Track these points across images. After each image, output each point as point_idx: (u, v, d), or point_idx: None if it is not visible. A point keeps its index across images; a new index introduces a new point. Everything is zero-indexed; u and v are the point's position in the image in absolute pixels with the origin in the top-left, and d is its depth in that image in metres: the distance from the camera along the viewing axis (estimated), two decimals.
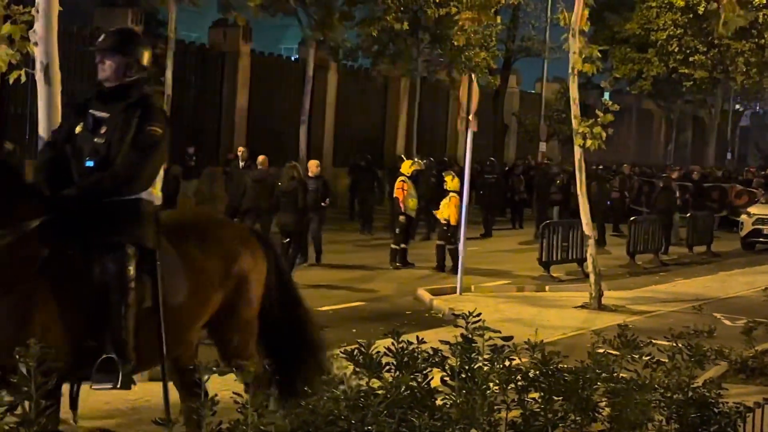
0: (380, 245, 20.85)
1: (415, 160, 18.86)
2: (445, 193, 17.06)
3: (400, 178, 17.62)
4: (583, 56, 13.69)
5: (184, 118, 24.45)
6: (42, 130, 6.92)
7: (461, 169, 24.38)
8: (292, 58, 31.49)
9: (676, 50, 34.45)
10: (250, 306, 5.84)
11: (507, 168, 29.47)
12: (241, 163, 18.00)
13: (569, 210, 23.36)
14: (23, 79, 7.07)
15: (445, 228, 16.70)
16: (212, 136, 26.30)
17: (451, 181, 17.04)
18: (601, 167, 27.34)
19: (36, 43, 6.83)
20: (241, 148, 17.96)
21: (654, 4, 34.21)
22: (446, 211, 16.72)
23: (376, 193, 23.13)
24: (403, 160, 19.36)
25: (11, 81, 7.02)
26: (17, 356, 3.09)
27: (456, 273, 15.52)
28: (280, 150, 26.61)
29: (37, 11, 6.81)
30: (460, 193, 16.03)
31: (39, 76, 6.87)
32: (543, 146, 34.90)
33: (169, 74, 20.28)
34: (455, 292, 14.40)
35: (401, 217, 17.26)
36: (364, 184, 23.02)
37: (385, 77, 30.53)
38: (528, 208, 26.96)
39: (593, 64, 13.68)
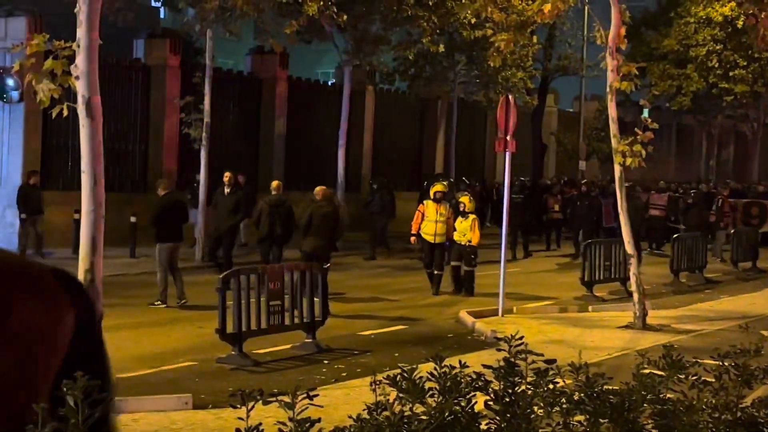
0: (412, 268, 20.87)
1: (445, 182, 18.71)
2: (463, 215, 16.77)
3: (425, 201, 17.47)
4: (621, 74, 13.64)
5: (222, 145, 24.66)
6: (84, 164, 7.01)
7: (483, 188, 24.57)
8: (329, 83, 31.68)
9: (715, 65, 34.19)
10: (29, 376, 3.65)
11: (541, 186, 29.29)
12: (227, 189, 17.53)
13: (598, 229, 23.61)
14: (65, 113, 7.18)
15: (468, 250, 16.49)
16: (251, 163, 26.47)
17: (468, 203, 16.81)
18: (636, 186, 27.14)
19: (77, 77, 6.94)
20: (227, 174, 17.73)
21: (692, 20, 34.00)
22: (468, 233, 16.49)
23: (386, 214, 22.58)
24: (433, 181, 19.36)
25: (53, 115, 7.13)
26: (64, 389, 3.12)
27: (472, 295, 15.86)
28: (318, 174, 26.75)
29: (78, 46, 6.93)
30: (494, 213, 16.17)
31: (81, 110, 6.98)
32: (582, 165, 34.76)
33: (207, 102, 20.46)
34: (497, 314, 14.35)
35: (412, 239, 17.37)
36: (374, 207, 22.60)
37: (421, 99, 30.62)
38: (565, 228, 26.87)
39: (631, 81, 13.63)
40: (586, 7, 15.56)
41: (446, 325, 13.92)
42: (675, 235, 19.46)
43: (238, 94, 26.43)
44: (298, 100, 27.54)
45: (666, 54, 35.44)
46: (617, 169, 13.74)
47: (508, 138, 14.67)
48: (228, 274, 10.96)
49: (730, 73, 34.42)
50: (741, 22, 32.13)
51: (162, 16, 39.55)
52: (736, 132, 46.27)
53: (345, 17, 21.44)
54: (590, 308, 15.59)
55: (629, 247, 13.94)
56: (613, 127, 13.80)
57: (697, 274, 19.86)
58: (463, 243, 16.54)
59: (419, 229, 17.00)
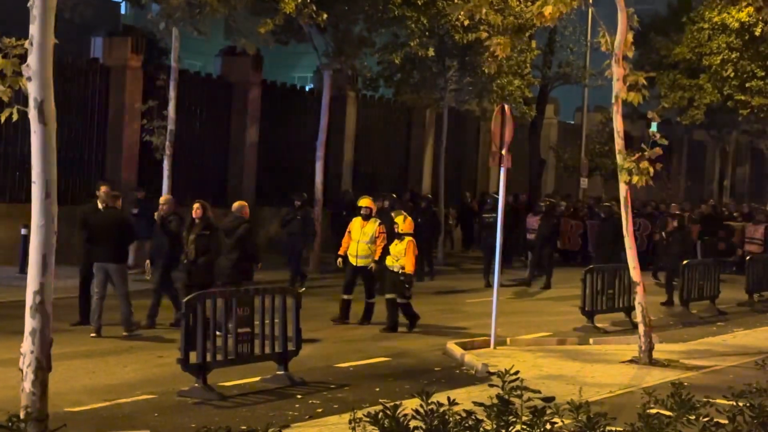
0: None
1: (369, 197, 17.44)
2: (397, 237, 15.91)
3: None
4: (628, 84, 13.74)
5: (188, 155, 24.65)
6: (35, 174, 6.99)
7: (427, 205, 24.34)
8: (307, 88, 31.75)
9: (731, 75, 34.39)
10: None
11: (522, 205, 29.31)
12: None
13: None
14: (15, 117, 7.16)
15: (401, 279, 15.67)
16: (219, 175, 26.48)
17: (402, 223, 15.98)
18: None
19: (29, 78, 6.93)
20: (143, 192, 17.55)
21: (706, 26, 34.19)
22: (401, 258, 15.69)
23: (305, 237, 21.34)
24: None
25: (2, 120, 7.11)
26: None
27: (410, 329, 15.78)
28: (293, 188, 26.78)
29: (31, 44, 6.92)
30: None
31: (32, 114, 6.96)
32: (584, 182, 34.93)
33: (171, 107, 20.47)
34: (488, 346, 14.37)
35: (339, 261, 16.84)
36: (294, 227, 20.98)
37: (408, 108, 30.71)
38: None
39: (639, 92, 13.72)
40: (590, 10, 15.62)
41: (432, 357, 13.93)
42: (685, 262, 19.53)
43: (206, 99, 26.46)
44: (272, 107, 27.59)
45: (677, 63, 35.62)
46: (623, 188, 13.81)
47: (503, 152, 14.73)
48: (192, 298, 10.93)
49: (747, 84, 34.62)
50: (759, 30, 32.42)
51: (123, 12, 39.53)
52: (753, 149, 46.56)
53: (325, 16, 21.52)
54: (591, 340, 15.63)
55: (635, 274, 13.99)
56: (619, 142, 13.88)
57: (709, 305, 19.94)
58: (395, 270, 15.76)
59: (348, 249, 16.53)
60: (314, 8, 21.11)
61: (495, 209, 23.07)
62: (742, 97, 34.93)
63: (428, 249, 24.08)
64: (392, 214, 16.93)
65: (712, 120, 37.94)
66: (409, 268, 15.74)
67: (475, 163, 35.50)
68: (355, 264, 16.30)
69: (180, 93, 20.96)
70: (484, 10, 14.37)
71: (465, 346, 14.19)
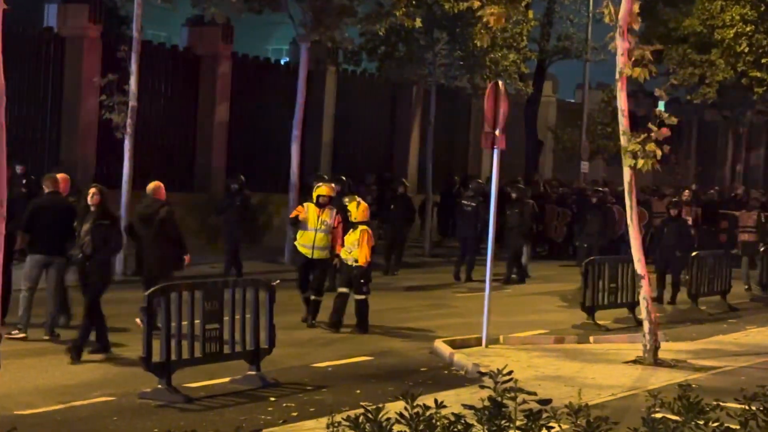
0: (399, 289, 20.92)
1: (333, 184, 17.16)
2: (351, 225, 15.74)
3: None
4: (633, 59, 13.76)
5: (151, 134, 24.58)
6: None
7: (402, 191, 24.12)
8: (282, 62, 31.69)
9: (745, 50, 34.49)
10: None
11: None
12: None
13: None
14: None
15: (356, 272, 15.41)
16: (185, 156, 26.42)
17: (356, 210, 15.78)
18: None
19: None
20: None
21: None
22: (355, 250, 15.43)
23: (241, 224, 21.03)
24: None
25: None
26: None
27: (364, 331, 15.37)
28: (267, 172, 26.78)
29: None
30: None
31: None
32: (585, 166, 34.97)
33: (133, 81, 20.38)
34: (480, 344, 14.41)
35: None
36: (231, 214, 20.80)
37: (393, 84, 30.68)
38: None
39: (645, 68, 13.74)
40: None
41: (418, 356, 13.96)
42: (694, 254, 19.61)
43: (171, 72, 26.39)
44: (244, 82, 27.53)
45: (687, 36, 35.69)
46: (627, 172, 13.84)
47: (496, 133, 14.73)
48: (155, 291, 10.91)
49: (763, 60, 34.74)
50: None
51: None
52: None
53: None
54: (591, 338, 15.69)
55: (639, 267, 14.03)
56: (623, 122, 13.90)
57: (720, 300, 20.04)
58: (349, 263, 15.53)
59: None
60: None
61: (477, 196, 23.08)
62: (758, 74, 35.05)
63: (400, 239, 23.96)
64: (345, 200, 16.67)
65: (724, 99, 38.03)
66: (363, 260, 15.43)
67: (465, 144, 35.52)
68: (310, 256, 15.92)
69: (143, 66, 20.85)
70: None
71: (454, 345, 14.22)
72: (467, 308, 18.26)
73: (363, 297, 15.54)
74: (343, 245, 15.69)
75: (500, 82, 15.39)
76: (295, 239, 16.48)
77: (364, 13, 25.67)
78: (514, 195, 23.41)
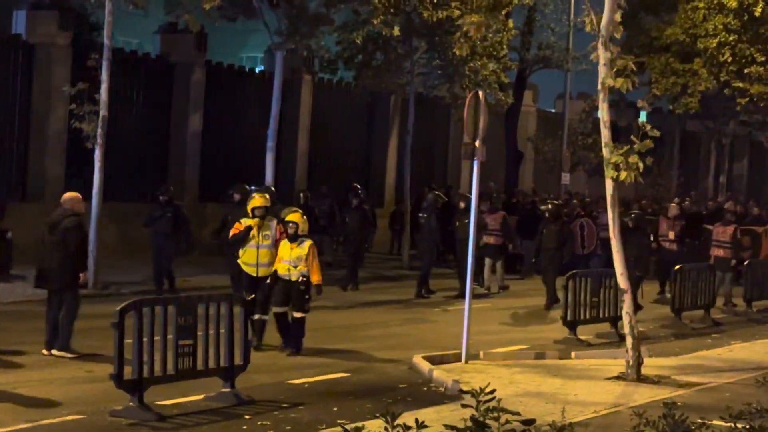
0: (372, 302, 20.91)
1: (267, 193, 16.21)
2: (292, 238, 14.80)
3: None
4: (615, 69, 13.81)
5: (123, 144, 24.51)
6: None
7: (359, 202, 23.68)
8: (257, 70, 31.69)
9: (728, 60, 34.70)
10: None
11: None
12: None
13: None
14: None
15: (302, 288, 14.67)
16: (158, 167, 26.36)
17: (302, 221, 14.83)
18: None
19: None
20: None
21: (701, 5, 34.45)
22: (301, 265, 14.62)
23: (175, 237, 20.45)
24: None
25: None
26: None
27: (299, 350, 14.59)
28: (242, 181, 26.67)
29: None
30: (464, 237, 15.78)
31: None
32: (566, 178, 35.10)
33: (104, 90, 20.32)
34: (460, 360, 14.39)
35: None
36: (161, 226, 20.37)
37: (371, 93, 30.74)
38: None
39: (627, 78, 13.79)
40: None
41: (397, 372, 13.93)
42: (677, 267, 19.67)
43: (143, 81, 26.36)
44: (218, 91, 27.54)
45: (669, 45, 35.91)
46: (609, 184, 13.88)
47: (476, 144, 14.75)
48: (127, 306, 10.85)
49: (746, 70, 34.96)
50: (759, 9, 32.76)
51: None
52: (752, 142, 47.03)
53: None
54: (573, 354, 15.69)
55: (622, 281, 14.06)
56: (606, 134, 13.95)
57: (703, 314, 20.11)
58: (293, 278, 14.67)
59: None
60: None
61: (431, 207, 22.81)
62: (741, 84, 35.26)
63: (356, 254, 23.39)
64: (282, 212, 15.44)
65: (707, 109, 38.28)
66: (316, 278, 14.69)
67: (445, 155, 35.64)
68: (256, 275, 15.12)
69: (114, 74, 20.81)
70: None
71: (433, 361, 14.20)
72: (446, 322, 18.27)
73: (304, 315, 14.74)
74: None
75: (480, 92, 15.39)
76: (238, 257, 15.60)
77: (341, 21, 25.73)
78: (462, 205, 22.40)
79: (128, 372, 10.61)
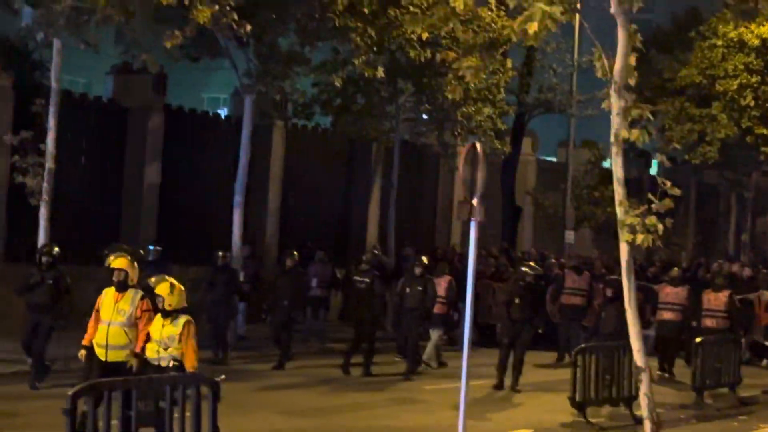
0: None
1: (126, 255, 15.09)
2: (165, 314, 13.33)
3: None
4: (630, 119, 13.83)
5: (71, 199, 24.38)
6: None
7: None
8: (222, 115, 31.70)
9: (750, 104, 34.86)
10: None
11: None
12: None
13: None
14: None
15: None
16: (110, 225, 26.22)
17: (169, 294, 13.25)
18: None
19: None
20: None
21: (719, 43, 34.71)
22: (174, 346, 13.11)
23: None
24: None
25: None
26: None
27: None
28: (205, 242, 26.62)
29: None
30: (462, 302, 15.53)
31: None
32: (570, 236, 35.01)
33: (51, 140, 20.25)
34: None
35: (81, 352, 14.32)
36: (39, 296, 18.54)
37: (351, 141, 30.75)
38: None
39: (644, 129, 13.83)
40: (577, 17, 15.50)
41: None
42: (698, 340, 19.66)
43: (94, 127, 26.27)
44: (178, 138, 27.46)
45: (684, 88, 36.06)
46: (624, 249, 13.86)
47: (474, 202, 14.75)
48: (81, 390, 10.75)
49: None
50: None
51: None
52: None
53: (249, 28, 21.49)
54: None
55: (638, 357, 14.01)
56: (620, 192, 13.91)
57: (729, 393, 20.07)
58: (162, 364, 13.15)
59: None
60: (235, 17, 21.06)
61: (371, 270, 22.39)
62: (764, 131, 35.41)
63: (287, 326, 22.18)
64: (150, 281, 13.88)
65: (727, 158, 38.26)
66: (190, 363, 13.03)
67: (433, 208, 35.57)
68: (104, 359, 13.95)
69: (62, 120, 20.75)
70: (451, 24, 14.45)
71: None
72: (438, 403, 18.15)
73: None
74: (148, 340, 13.48)
75: (477, 144, 15.43)
76: None
77: (318, 61, 25.79)
78: (418, 270, 21.86)
79: None
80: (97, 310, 14.12)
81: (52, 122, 20.42)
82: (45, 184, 20.24)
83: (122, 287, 14.03)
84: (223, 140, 27.97)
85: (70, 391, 10.85)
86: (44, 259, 18.34)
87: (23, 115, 21.77)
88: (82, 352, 14.24)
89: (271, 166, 29.58)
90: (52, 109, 20.46)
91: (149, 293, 13.68)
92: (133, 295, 14.03)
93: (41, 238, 20.32)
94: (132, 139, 26.76)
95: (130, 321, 13.89)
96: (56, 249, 18.64)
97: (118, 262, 14.25)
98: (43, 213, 20.40)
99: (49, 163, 20.25)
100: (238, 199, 24.45)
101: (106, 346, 13.88)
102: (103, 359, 13.91)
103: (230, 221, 24.54)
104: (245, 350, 23.18)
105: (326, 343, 24.95)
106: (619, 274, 15.02)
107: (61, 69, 21.14)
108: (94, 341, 14.09)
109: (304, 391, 19.13)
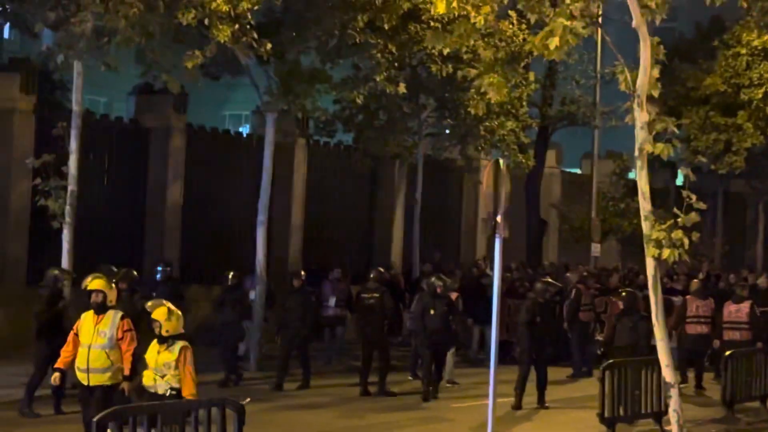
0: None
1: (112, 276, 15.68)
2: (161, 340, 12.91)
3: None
4: (654, 132, 13.82)
5: (94, 221, 24.43)
6: None
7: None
8: (244, 133, 31.77)
9: None
10: None
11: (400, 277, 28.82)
12: None
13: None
14: None
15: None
16: (134, 243, 26.30)
17: (167, 320, 12.85)
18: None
19: None
20: None
21: (744, 51, 34.54)
22: (171, 374, 12.71)
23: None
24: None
25: None
26: None
27: None
28: (228, 261, 26.67)
29: None
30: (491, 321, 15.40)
31: None
32: (596, 249, 34.86)
33: (73, 163, 20.30)
34: None
35: (55, 376, 14.42)
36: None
37: (373, 157, 30.73)
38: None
39: (668, 143, 13.81)
40: (599, 33, 15.54)
41: None
42: (728, 353, 19.56)
43: (116, 148, 26.36)
44: (200, 158, 27.54)
45: (708, 97, 35.91)
46: (650, 263, 13.84)
47: (498, 219, 14.76)
48: (105, 416, 10.78)
49: None
50: None
51: (6, 37, 39.52)
52: None
53: (269, 46, 21.55)
54: None
55: (667, 373, 13.97)
56: (645, 206, 13.92)
57: (760, 406, 19.95)
58: (159, 391, 12.75)
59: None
60: (255, 35, 21.12)
61: (379, 286, 22.18)
62: None
63: (300, 347, 21.96)
64: (147, 306, 13.29)
65: (754, 167, 38.14)
66: (188, 391, 12.65)
67: (458, 224, 35.54)
68: (86, 383, 13.82)
69: (83, 141, 20.81)
70: (473, 41, 14.48)
71: None
72: (467, 422, 18.10)
73: None
74: (136, 362, 13.52)
75: (501, 160, 15.44)
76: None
77: (340, 78, 25.82)
78: (439, 289, 21.40)
79: None
80: (76, 334, 13.98)
81: (74, 145, 20.45)
82: (68, 207, 20.27)
83: (101, 309, 13.94)
84: (245, 159, 28.01)
85: (96, 418, 10.89)
86: (58, 277, 18.56)
87: (45, 136, 21.82)
88: (56, 375, 14.30)
89: (293, 184, 29.61)
90: (74, 132, 20.50)
91: (147, 316, 13.23)
92: (113, 316, 13.94)
93: (64, 261, 20.35)
94: (154, 159, 26.87)
95: (112, 343, 13.82)
96: (57, 272, 18.80)
97: (95, 283, 14.16)
98: (66, 236, 20.41)
99: (72, 186, 20.29)
100: (261, 217, 24.44)
101: (88, 370, 13.79)
102: (85, 383, 13.85)
103: (253, 240, 24.53)
104: (269, 370, 23.13)
105: (346, 362, 24.82)
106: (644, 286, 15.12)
107: (83, 87, 21.22)
108: (75, 365, 14.01)
109: (330, 411, 19.10)
